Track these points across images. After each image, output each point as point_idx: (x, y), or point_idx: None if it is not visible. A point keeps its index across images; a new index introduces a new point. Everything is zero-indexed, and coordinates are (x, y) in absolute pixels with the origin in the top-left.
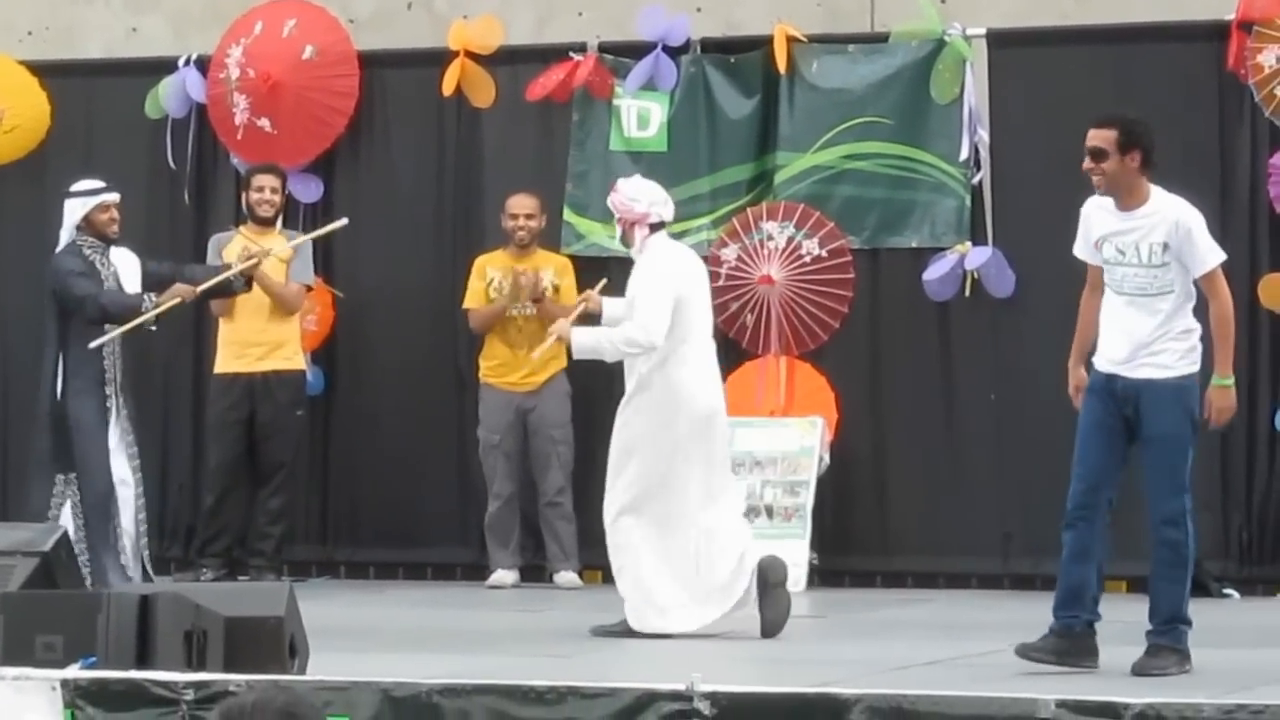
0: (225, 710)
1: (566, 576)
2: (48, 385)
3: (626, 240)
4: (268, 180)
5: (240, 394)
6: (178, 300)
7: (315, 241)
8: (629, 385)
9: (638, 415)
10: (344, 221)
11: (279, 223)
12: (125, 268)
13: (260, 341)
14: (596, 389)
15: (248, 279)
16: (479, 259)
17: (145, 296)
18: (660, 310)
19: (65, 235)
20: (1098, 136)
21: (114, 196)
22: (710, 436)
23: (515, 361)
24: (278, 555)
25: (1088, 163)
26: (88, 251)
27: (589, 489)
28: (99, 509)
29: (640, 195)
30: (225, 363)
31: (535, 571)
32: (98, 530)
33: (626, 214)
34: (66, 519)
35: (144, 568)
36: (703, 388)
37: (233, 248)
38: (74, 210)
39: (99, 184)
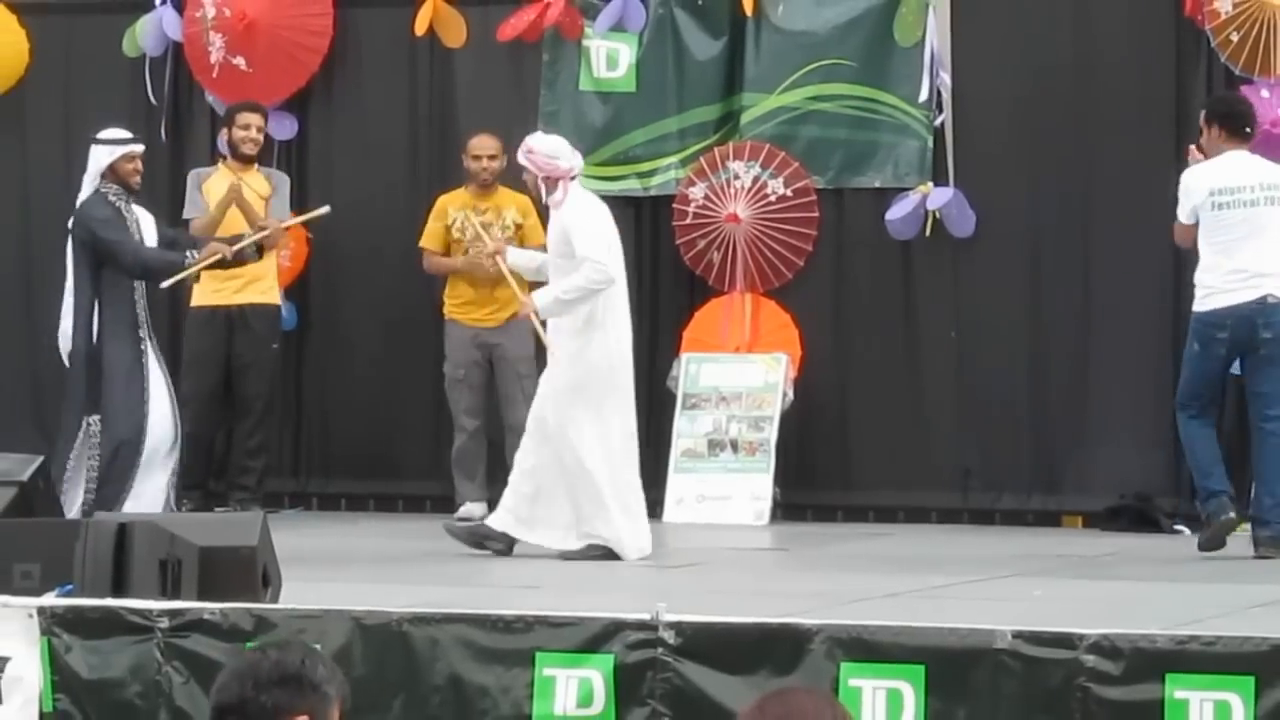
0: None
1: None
2: (82, 331)
3: (548, 194)
4: (254, 119)
5: (218, 326)
6: (218, 256)
7: (290, 183)
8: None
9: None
10: (326, 209)
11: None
12: (145, 220)
13: (238, 274)
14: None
15: (260, 248)
16: (440, 199)
17: (187, 253)
18: (602, 249)
19: (88, 182)
20: None
21: (139, 148)
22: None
23: (479, 299)
24: (260, 488)
25: None
26: (113, 199)
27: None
28: (120, 453)
29: (560, 152)
30: (203, 295)
31: None
32: (114, 475)
33: (552, 171)
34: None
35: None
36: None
37: (213, 182)
38: (99, 158)
39: (126, 134)
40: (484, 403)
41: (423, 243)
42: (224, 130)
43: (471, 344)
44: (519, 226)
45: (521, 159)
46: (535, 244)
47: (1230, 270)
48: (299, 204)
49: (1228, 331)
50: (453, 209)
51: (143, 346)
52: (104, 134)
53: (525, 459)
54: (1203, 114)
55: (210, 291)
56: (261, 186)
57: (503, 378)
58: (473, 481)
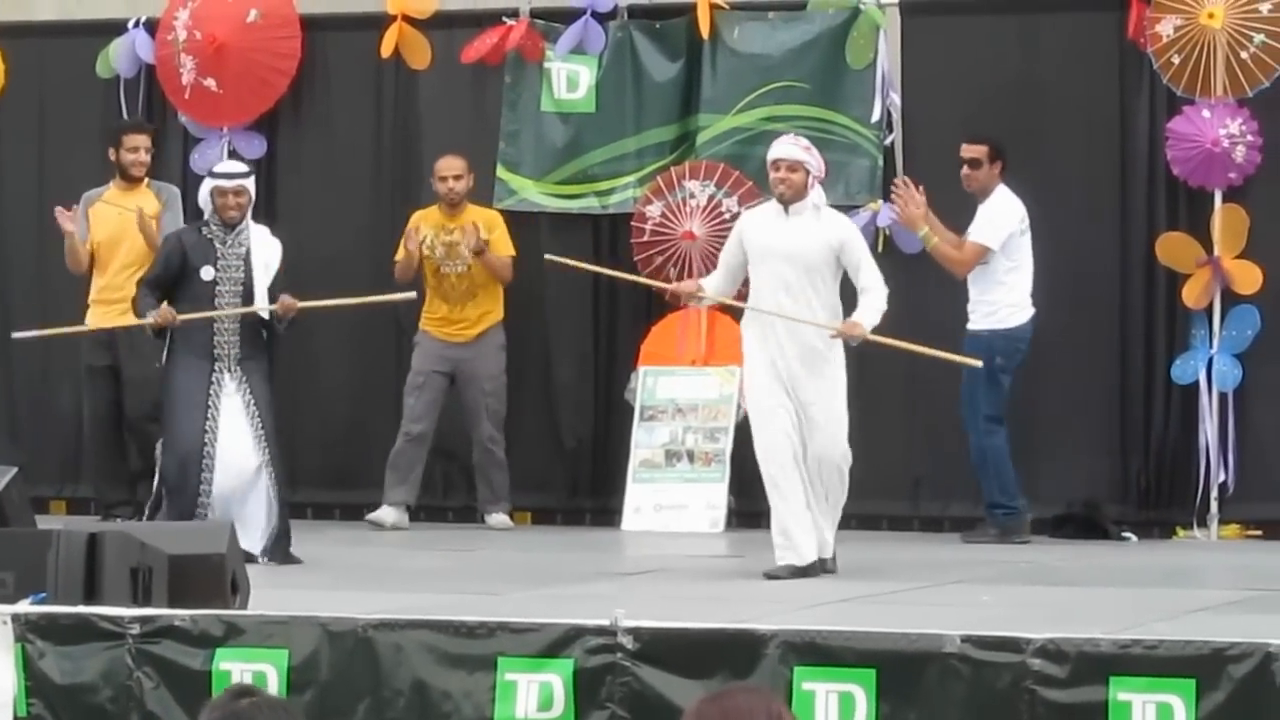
0: None
1: (498, 518)
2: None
3: (801, 197)
4: (140, 140)
5: (108, 347)
6: (148, 323)
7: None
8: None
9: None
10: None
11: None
12: (262, 250)
13: (129, 298)
14: (530, 342)
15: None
16: (414, 216)
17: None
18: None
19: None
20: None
21: (231, 184)
22: None
23: (452, 316)
24: (123, 510)
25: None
26: (207, 230)
27: (521, 438)
28: (168, 478)
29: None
30: (96, 319)
31: (468, 513)
32: (168, 498)
33: (820, 173)
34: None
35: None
36: None
37: (98, 208)
38: (201, 190)
39: (226, 168)
40: (435, 412)
41: (397, 257)
42: (111, 150)
43: (439, 356)
44: (485, 241)
45: (801, 154)
46: (503, 255)
47: (1025, 291)
48: (268, 221)
49: (1026, 345)
50: (425, 226)
51: (213, 378)
52: (215, 167)
53: None
54: (986, 149)
55: (101, 316)
56: (149, 205)
57: (468, 393)
58: (403, 485)
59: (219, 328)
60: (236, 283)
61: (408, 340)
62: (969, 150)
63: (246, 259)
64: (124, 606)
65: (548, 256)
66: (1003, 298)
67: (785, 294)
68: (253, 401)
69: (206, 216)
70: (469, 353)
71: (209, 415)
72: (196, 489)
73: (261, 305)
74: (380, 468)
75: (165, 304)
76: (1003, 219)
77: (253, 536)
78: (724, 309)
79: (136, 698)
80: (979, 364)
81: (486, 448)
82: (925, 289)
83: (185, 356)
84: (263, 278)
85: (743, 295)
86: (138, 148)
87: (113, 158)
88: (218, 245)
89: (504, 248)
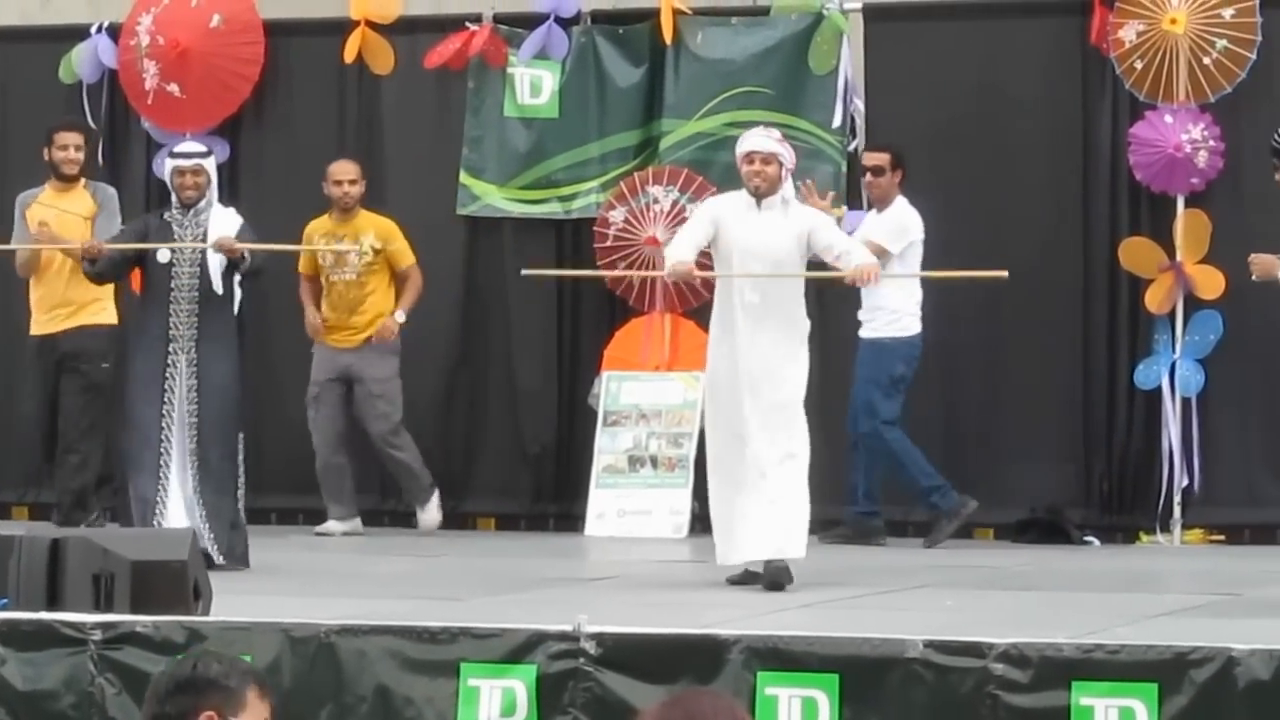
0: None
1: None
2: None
3: (775, 190)
4: (71, 138)
5: (49, 354)
6: (75, 247)
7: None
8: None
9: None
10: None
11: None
12: (220, 227)
13: (68, 301)
14: (493, 348)
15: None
16: (308, 226)
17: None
18: None
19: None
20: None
21: (189, 163)
22: None
23: (341, 323)
24: (78, 509)
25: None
26: (170, 214)
27: (485, 444)
28: (127, 461)
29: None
30: (38, 325)
31: (408, 517)
32: (130, 480)
33: (791, 165)
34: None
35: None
36: None
37: (33, 210)
38: (162, 173)
39: (185, 148)
40: (341, 421)
41: (300, 268)
42: (45, 149)
43: (331, 364)
44: (378, 251)
45: (775, 146)
46: (404, 265)
47: (919, 301)
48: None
49: (920, 354)
50: (318, 235)
51: (169, 360)
52: (174, 148)
53: None
54: (888, 157)
55: (43, 322)
56: (84, 206)
57: (358, 396)
58: (337, 501)
59: (175, 309)
60: (193, 263)
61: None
62: (871, 158)
63: (203, 240)
64: (86, 613)
65: (524, 270)
66: (903, 305)
67: (752, 289)
68: (195, 386)
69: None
70: (357, 357)
71: (164, 398)
72: (155, 471)
73: (197, 244)
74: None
75: (95, 242)
76: (905, 227)
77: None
78: (687, 314)
79: (98, 704)
80: (1004, 275)
81: (380, 449)
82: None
83: (142, 338)
84: (216, 255)
85: (707, 283)
86: (68, 145)
87: (46, 157)
88: (175, 228)
89: (404, 258)
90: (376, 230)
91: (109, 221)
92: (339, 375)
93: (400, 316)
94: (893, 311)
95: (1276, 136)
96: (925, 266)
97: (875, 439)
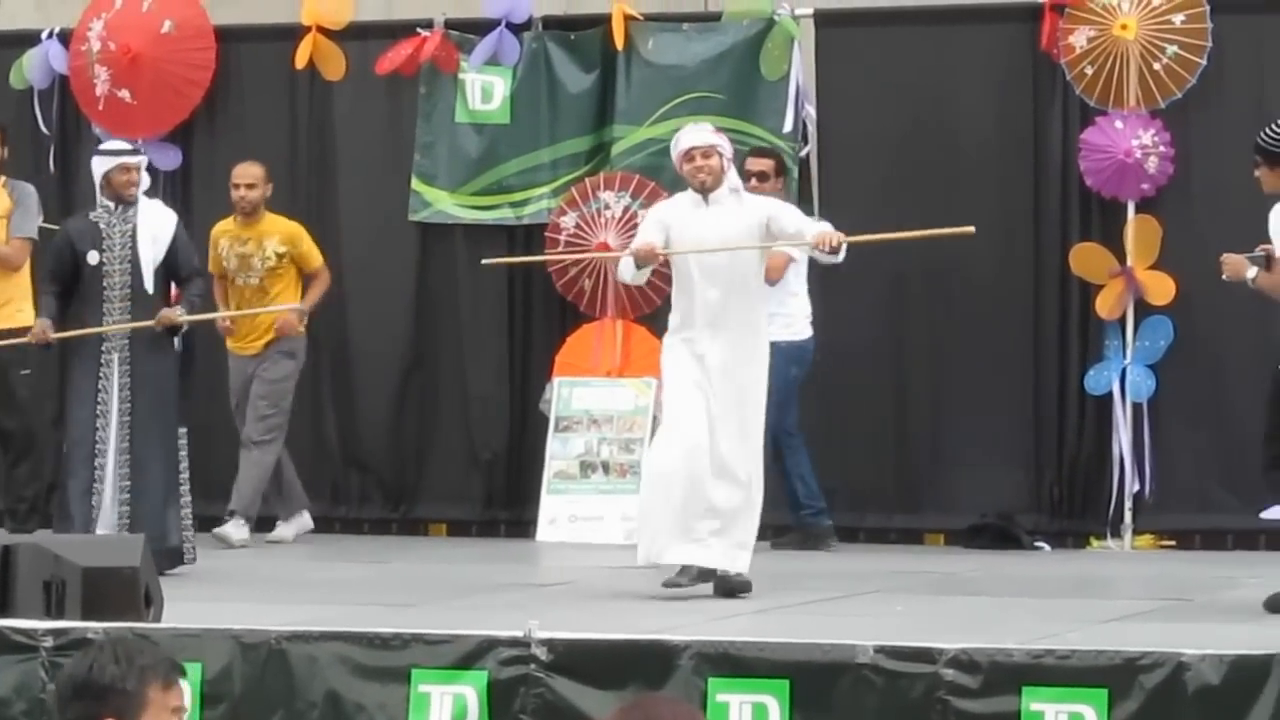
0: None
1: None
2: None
3: (720, 182)
4: None
5: None
6: (25, 341)
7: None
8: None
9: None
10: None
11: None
12: (151, 224)
13: None
14: (444, 353)
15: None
16: (214, 228)
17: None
18: None
19: (98, 194)
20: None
21: (136, 159)
22: None
23: (241, 329)
24: (30, 519)
25: None
26: (96, 214)
27: (435, 450)
28: (66, 464)
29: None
30: None
31: (383, 525)
32: (68, 482)
33: (730, 155)
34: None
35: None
36: None
37: None
38: (96, 169)
39: (125, 145)
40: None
41: (210, 267)
42: None
43: (240, 374)
44: (280, 256)
45: (713, 138)
46: (311, 268)
47: (808, 305)
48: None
49: (812, 355)
50: (222, 240)
51: (101, 369)
52: (103, 145)
53: None
54: (772, 163)
55: None
56: (2, 203)
57: (253, 393)
58: (284, 505)
59: (108, 309)
60: (125, 261)
61: (325, 353)
62: (755, 164)
63: (133, 237)
64: (37, 619)
65: (484, 261)
66: (797, 309)
67: (713, 286)
68: (129, 384)
69: (100, 201)
70: (258, 362)
71: (98, 398)
72: (90, 471)
73: (143, 323)
74: (301, 477)
75: (39, 322)
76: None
77: (106, 524)
78: (639, 320)
79: (50, 711)
80: (971, 230)
81: (242, 446)
82: (840, 300)
83: (78, 343)
84: (149, 253)
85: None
86: None
87: None
88: (103, 228)
89: (312, 259)
90: (282, 234)
91: (24, 219)
92: (247, 382)
93: (304, 306)
94: (788, 316)
95: (1262, 135)
96: (874, 268)
97: (784, 446)
